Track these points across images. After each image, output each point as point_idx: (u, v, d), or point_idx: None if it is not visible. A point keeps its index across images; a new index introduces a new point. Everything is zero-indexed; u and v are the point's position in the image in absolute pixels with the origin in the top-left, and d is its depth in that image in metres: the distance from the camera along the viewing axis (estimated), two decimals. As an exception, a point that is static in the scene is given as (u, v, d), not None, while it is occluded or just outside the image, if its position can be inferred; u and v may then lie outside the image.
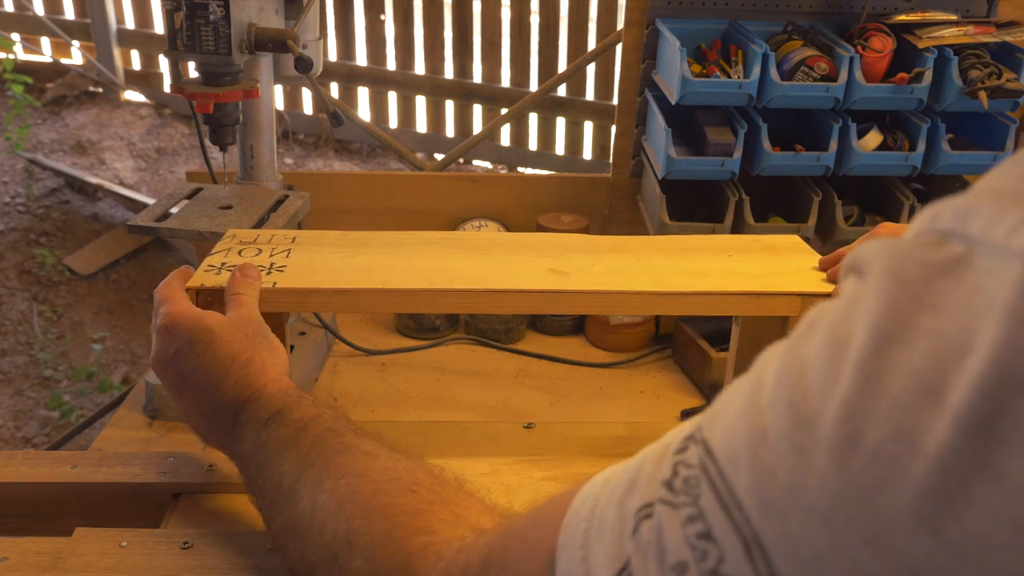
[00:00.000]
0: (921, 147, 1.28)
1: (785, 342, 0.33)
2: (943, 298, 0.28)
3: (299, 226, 1.21)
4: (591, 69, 3.72)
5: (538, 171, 3.95)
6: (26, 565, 0.66)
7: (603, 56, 3.03)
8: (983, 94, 1.23)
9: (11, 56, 3.87)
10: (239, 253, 0.90)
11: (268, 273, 0.85)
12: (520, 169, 4.05)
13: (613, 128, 1.50)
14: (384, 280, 0.85)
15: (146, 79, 4.31)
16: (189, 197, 1.21)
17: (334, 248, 0.92)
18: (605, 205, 1.52)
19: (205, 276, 0.84)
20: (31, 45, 4.35)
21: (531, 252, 0.92)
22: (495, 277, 0.86)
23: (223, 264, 0.87)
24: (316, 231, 0.98)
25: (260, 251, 0.91)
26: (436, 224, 1.50)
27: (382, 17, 3.96)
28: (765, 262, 0.92)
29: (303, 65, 1.15)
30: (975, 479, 0.25)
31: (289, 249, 0.91)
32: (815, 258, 0.93)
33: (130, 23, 4.26)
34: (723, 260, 0.92)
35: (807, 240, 1.31)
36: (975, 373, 0.26)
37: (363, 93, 4.17)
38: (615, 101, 1.66)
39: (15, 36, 4.26)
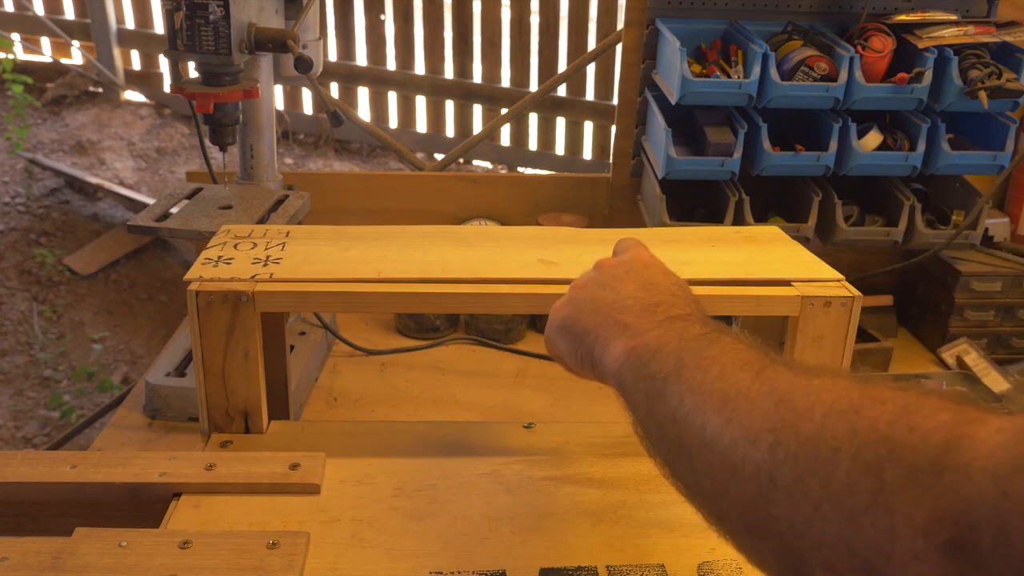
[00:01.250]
0: (921, 147, 1.28)
1: None
2: None
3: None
4: (591, 69, 3.72)
5: (538, 171, 3.95)
6: (26, 565, 0.66)
7: (603, 56, 3.03)
8: (983, 94, 1.23)
9: (11, 56, 3.87)
10: (235, 247, 0.90)
11: (264, 265, 0.86)
12: (520, 169, 4.05)
13: (613, 128, 1.50)
14: (378, 271, 0.85)
15: (146, 79, 4.30)
16: (189, 197, 1.21)
17: (328, 241, 0.93)
18: (605, 205, 1.52)
19: (203, 269, 0.85)
20: (31, 45, 4.35)
21: (521, 244, 0.94)
22: (486, 267, 0.87)
23: (219, 257, 0.88)
24: (310, 226, 0.99)
25: (255, 244, 0.91)
26: (436, 224, 1.50)
27: (382, 17, 3.96)
28: (747, 251, 0.94)
29: (303, 65, 1.15)
30: None
31: (284, 243, 0.92)
32: (794, 246, 0.94)
33: (130, 23, 4.26)
34: (707, 249, 0.94)
35: (807, 240, 1.31)
36: None
37: (363, 93, 4.16)
38: (615, 101, 1.66)
39: (15, 36, 4.26)
